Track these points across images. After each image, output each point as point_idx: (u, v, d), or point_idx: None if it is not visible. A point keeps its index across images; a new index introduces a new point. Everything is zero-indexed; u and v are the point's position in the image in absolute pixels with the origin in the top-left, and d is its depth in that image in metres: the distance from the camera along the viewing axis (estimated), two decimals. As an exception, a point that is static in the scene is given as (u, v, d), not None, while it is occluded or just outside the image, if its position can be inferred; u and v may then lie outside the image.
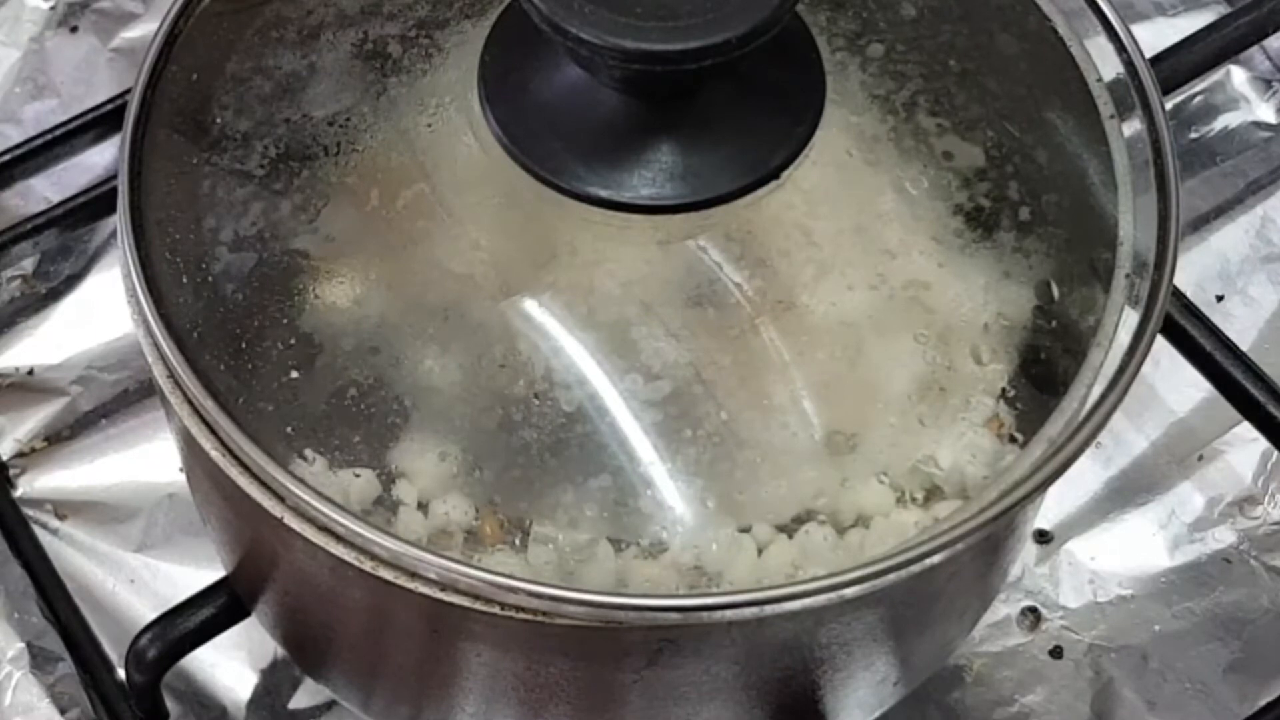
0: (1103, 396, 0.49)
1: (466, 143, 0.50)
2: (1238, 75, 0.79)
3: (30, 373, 0.72)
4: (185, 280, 0.50)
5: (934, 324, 0.50)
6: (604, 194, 0.48)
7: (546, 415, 0.48)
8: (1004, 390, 0.63)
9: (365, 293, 0.50)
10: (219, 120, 0.52)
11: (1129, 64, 0.54)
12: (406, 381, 0.49)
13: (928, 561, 0.46)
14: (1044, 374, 0.57)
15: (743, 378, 0.48)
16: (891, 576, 0.46)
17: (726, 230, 0.49)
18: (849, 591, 0.48)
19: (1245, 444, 0.70)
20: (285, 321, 0.50)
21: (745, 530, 0.47)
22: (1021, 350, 0.63)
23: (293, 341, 0.49)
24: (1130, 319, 0.52)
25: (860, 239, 0.50)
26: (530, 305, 0.49)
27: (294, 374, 0.49)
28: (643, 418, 0.48)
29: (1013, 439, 0.62)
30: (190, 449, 0.52)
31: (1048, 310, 0.57)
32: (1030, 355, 0.62)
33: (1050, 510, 0.68)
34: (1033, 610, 0.67)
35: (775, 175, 0.49)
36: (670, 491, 0.47)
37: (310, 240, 0.51)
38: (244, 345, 0.49)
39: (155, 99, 0.52)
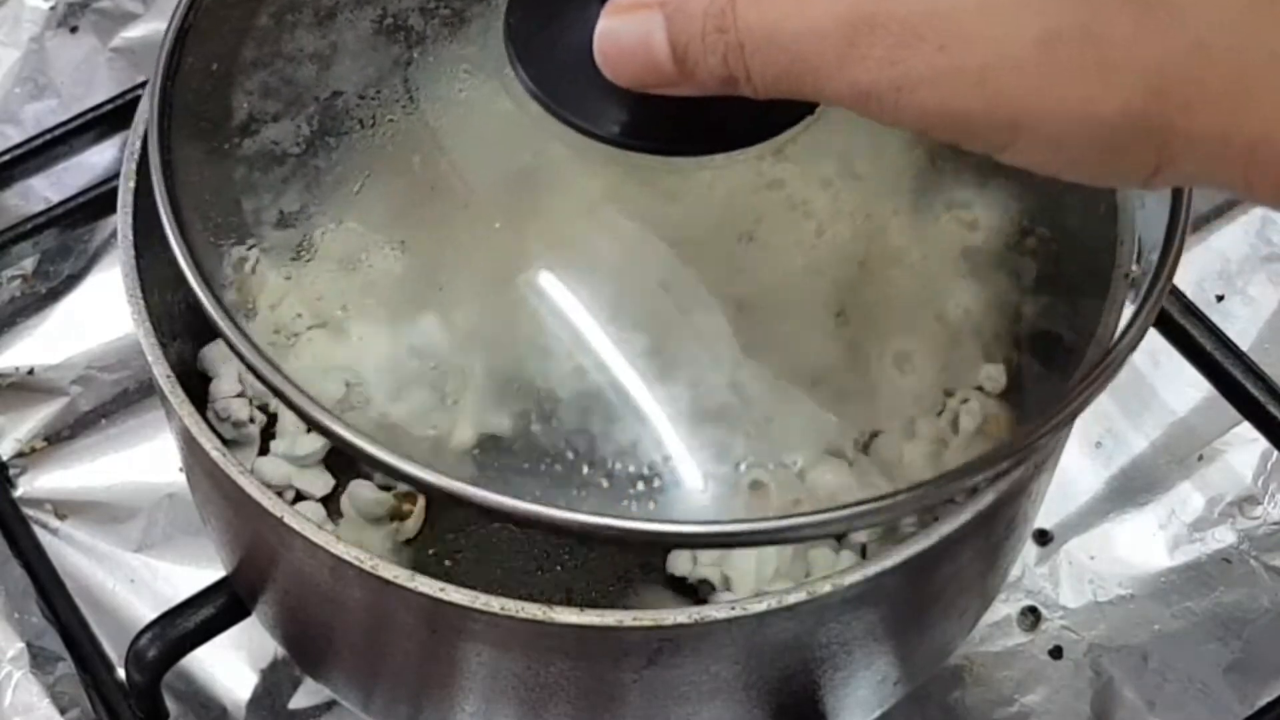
0: (1102, 364, 0.48)
1: (502, 104, 0.49)
2: (1238, 75, 0.79)
3: (30, 373, 0.72)
4: (229, 261, 0.50)
5: (971, 251, 0.50)
6: (646, 141, 0.47)
7: (600, 363, 0.48)
8: (1003, 387, 0.63)
9: (413, 263, 0.50)
10: (246, 105, 0.52)
11: None
12: (454, 350, 0.49)
13: (915, 548, 0.47)
14: (1044, 372, 0.57)
15: (787, 323, 0.49)
16: (892, 574, 0.46)
17: (769, 166, 0.49)
18: (849, 589, 0.48)
19: (1245, 444, 0.70)
20: (324, 297, 0.50)
21: (754, 468, 0.47)
22: (1022, 346, 0.63)
23: (341, 310, 0.50)
24: (1125, 318, 0.52)
25: (897, 169, 0.50)
26: (581, 255, 0.49)
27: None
28: (693, 360, 0.48)
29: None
30: (190, 449, 0.52)
31: (1048, 308, 0.57)
32: (1030, 353, 0.63)
33: (1050, 510, 0.68)
34: (1033, 610, 0.67)
35: (811, 110, 0.48)
36: (701, 439, 0.47)
37: (355, 212, 0.51)
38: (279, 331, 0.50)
39: (174, 90, 0.52)
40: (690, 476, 0.47)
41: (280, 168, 0.51)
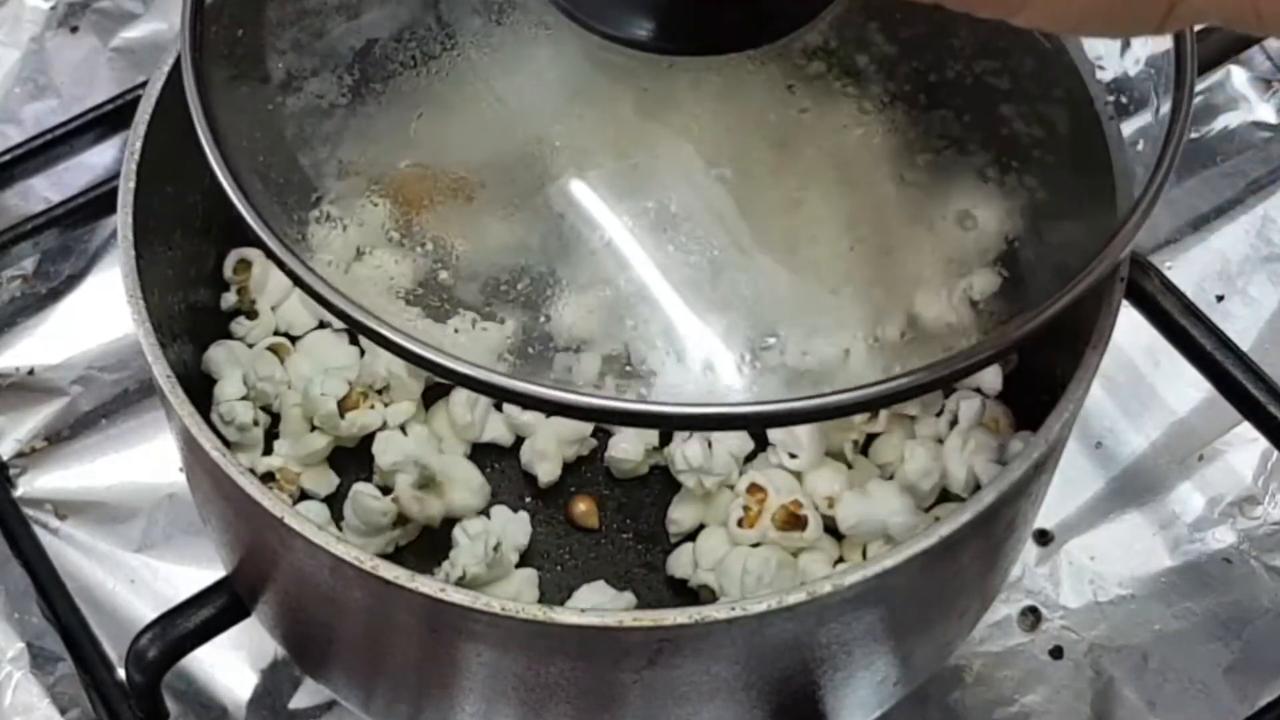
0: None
1: (540, 27, 0.50)
2: (1238, 75, 0.79)
3: (30, 373, 0.72)
4: (294, 218, 0.49)
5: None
6: (686, 44, 0.48)
7: (654, 252, 0.48)
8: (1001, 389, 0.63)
9: (477, 193, 0.50)
10: (281, 65, 0.52)
11: None
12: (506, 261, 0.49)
13: (915, 548, 0.47)
14: (1041, 373, 0.57)
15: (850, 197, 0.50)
16: (888, 576, 0.46)
17: (805, 54, 0.49)
18: (849, 590, 0.48)
19: (1245, 444, 0.70)
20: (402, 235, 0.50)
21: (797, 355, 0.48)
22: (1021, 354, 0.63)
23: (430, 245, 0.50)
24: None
25: (925, 43, 0.51)
26: (638, 161, 0.50)
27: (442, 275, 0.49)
28: (737, 246, 0.48)
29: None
30: (191, 449, 0.52)
31: (1046, 309, 0.57)
32: (1028, 358, 0.63)
33: (1050, 510, 0.68)
34: (1033, 610, 0.67)
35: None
36: (726, 319, 0.48)
37: (415, 152, 0.50)
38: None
39: (203, 61, 0.51)
40: (729, 369, 0.47)
41: (330, 120, 0.51)
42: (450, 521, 0.62)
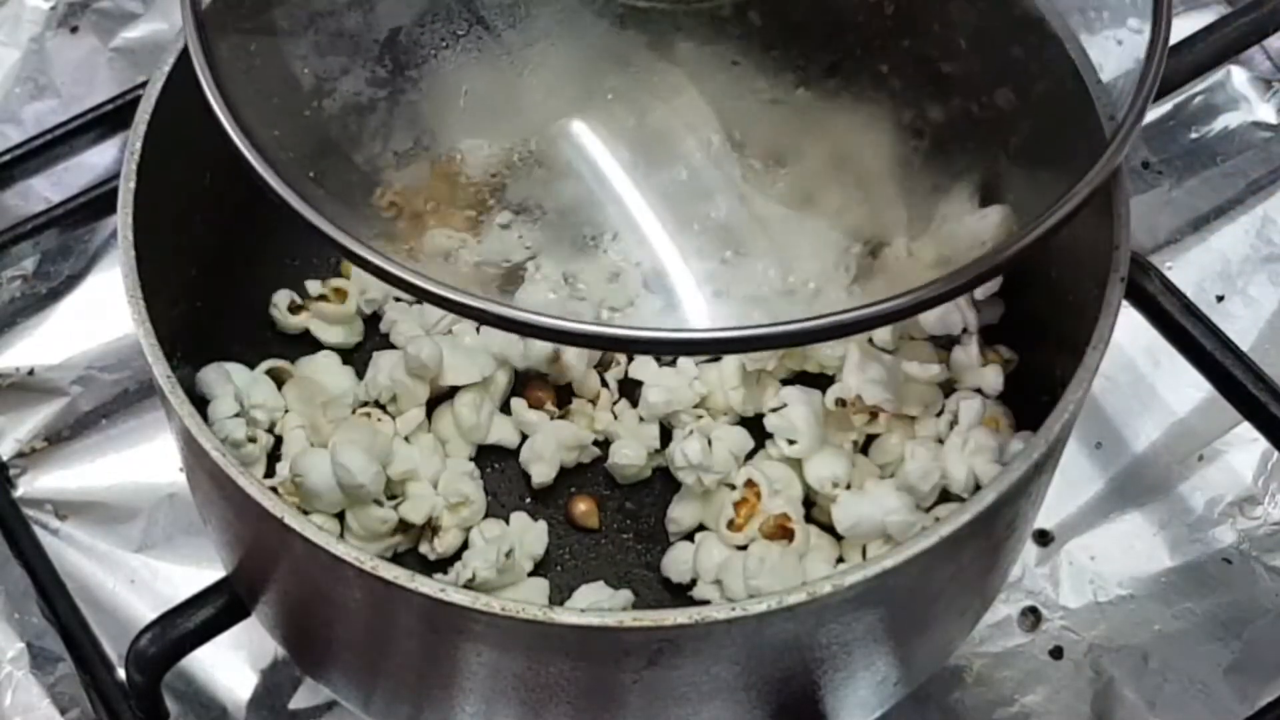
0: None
1: None
2: (1238, 75, 0.79)
3: (30, 373, 0.72)
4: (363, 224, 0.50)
5: None
6: None
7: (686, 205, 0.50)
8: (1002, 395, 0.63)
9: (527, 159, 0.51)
10: (308, 70, 0.52)
11: None
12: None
13: (916, 548, 0.47)
14: (1041, 373, 0.57)
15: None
16: (888, 575, 0.46)
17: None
18: (849, 590, 0.48)
19: (1245, 444, 0.70)
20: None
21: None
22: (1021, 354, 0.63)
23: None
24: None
25: None
26: (677, 104, 0.51)
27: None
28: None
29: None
30: (190, 449, 0.52)
31: (1045, 311, 0.57)
32: (1028, 358, 0.63)
33: (1050, 510, 0.68)
34: (1033, 610, 0.67)
35: None
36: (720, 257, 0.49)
37: (464, 128, 0.51)
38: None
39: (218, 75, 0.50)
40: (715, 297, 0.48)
41: (374, 113, 0.51)
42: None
